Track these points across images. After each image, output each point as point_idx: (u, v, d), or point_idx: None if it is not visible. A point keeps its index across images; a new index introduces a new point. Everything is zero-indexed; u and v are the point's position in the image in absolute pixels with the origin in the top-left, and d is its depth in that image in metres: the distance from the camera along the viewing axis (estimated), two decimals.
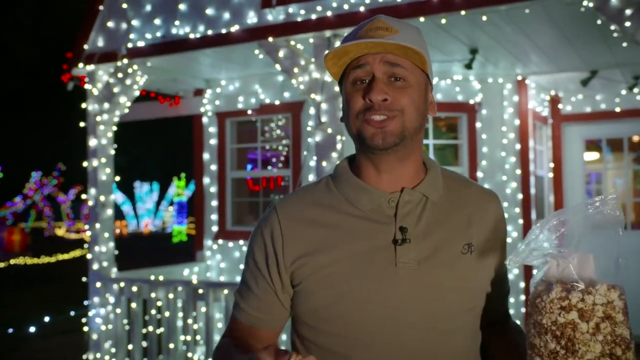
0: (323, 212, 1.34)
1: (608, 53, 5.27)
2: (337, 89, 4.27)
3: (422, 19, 4.07)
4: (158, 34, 5.07)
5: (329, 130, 4.35)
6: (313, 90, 4.40)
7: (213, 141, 6.41)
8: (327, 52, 1.32)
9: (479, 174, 5.96)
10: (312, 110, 5.85)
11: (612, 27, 3.59)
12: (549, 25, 4.43)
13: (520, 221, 5.94)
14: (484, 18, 4.02)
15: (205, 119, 6.46)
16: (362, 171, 1.36)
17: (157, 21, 5.08)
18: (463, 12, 3.92)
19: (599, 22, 3.82)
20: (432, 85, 1.40)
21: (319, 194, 1.39)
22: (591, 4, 3.60)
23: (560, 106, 6.95)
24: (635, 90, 6.37)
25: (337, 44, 4.44)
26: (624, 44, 4.25)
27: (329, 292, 1.28)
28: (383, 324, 1.27)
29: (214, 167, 6.39)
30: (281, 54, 4.54)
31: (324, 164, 4.36)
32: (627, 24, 3.50)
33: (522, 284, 5.90)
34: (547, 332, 1.09)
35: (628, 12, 3.50)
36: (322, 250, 1.30)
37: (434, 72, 5.78)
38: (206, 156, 6.45)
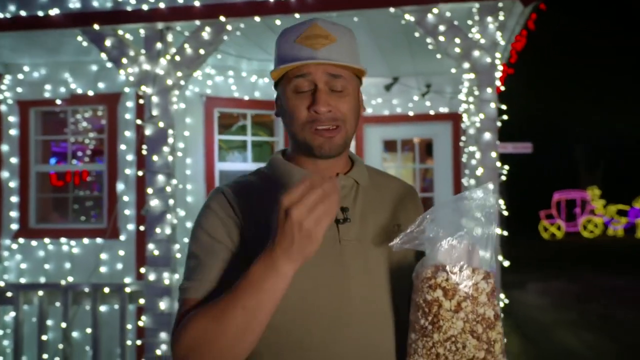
0: (266, 196, 1.39)
1: (410, 62, 5.86)
2: (169, 82, 4.24)
3: (257, 19, 4.19)
4: None
5: (161, 124, 4.26)
6: (143, 82, 4.27)
7: (13, 132, 5.86)
8: (274, 69, 1.36)
9: None
10: (130, 103, 5.68)
11: (429, 40, 4.04)
12: (369, 34, 4.82)
13: None
14: None
15: (4, 107, 5.88)
16: (299, 163, 1.44)
17: None
18: (297, 15, 4.12)
19: (417, 34, 4.26)
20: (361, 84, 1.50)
21: (257, 183, 1.44)
22: (412, 18, 4.02)
23: None
24: (422, 97, 7.14)
25: (170, 37, 4.38)
26: (438, 56, 4.77)
27: None
28: (332, 298, 1.34)
29: (14, 160, 5.85)
30: (108, 43, 4.33)
31: (155, 158, 4.27)
32: (441, 38, 3.97)
33: None
34: (419, 309, 1.22)
35: (442, 28, 3.97)
36: (266, 231, 1.31)
37: (255, 70, 5.98)
38: (5, 148, 5.88)
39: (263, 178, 1.46)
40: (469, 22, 4.15)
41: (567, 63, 21.32)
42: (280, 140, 6.25)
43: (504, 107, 3.93)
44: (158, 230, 4.23)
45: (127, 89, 5.63)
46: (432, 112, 7.09)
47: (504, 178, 3.89)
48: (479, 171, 3.91)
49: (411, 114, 7.36)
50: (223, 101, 5.99)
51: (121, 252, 5.61)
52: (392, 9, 4.02)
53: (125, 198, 5.64)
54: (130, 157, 5.66)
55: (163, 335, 4.26)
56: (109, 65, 4.94)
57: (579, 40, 20.40)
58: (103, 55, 4.44)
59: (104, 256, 5.49)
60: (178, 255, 4.33)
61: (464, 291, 1.19)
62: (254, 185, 1.44)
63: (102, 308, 4.60)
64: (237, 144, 6.41)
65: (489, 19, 3.89)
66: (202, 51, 4.23)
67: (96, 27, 4.31)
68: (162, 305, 4.23)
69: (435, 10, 3.95)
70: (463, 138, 6.25)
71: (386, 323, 1.38)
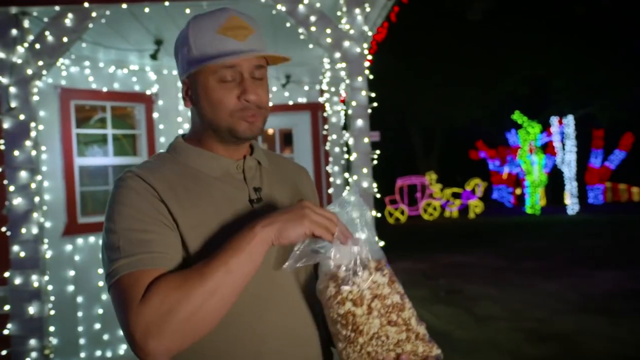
0: (179, 179, 1.40)
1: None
2: (30, 71, 3.97)
3: (124, 6, 4.04)
4: None
5: (22, 117, 3.98)
6: None
7: None
8: (213, 62, 1.36)
9: None
10: None
11: (300, 30, 4.15)
12: None
13: None
14: (188, 11, 4.19)
15: None
16: (205, 147, 1.48)
17: None
18: (167, 3, 4.03)
19: (288, 24, 4.35)
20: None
21: (167, 167, 1.43)
22: (283, 8, 4.10)
23: None
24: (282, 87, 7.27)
25: (27, 23, 4.09)
26: (310, 46, 4.88)
27: (204, 248, 1.33)
28: (260, 280, 1.37)
29: None
30: None
31: (16, 152, 3.98)
32: (313, 28, 4.10)
33: None
34: (336, 322, 1.30)
35: (313, 18, 4.10)
36: (187, 210, 1.36)
37: (113, 60, 5.73)
38: None
39: (172, 162, 1.46)
40: (339, 14, 4.31)
41: (415, 55, 22.64)
42: (143, 133, 6.07)
43: (373, 95, 4.14)
44: (24, 230, 3.95)
45: None
46: (291, 103, 7.24)
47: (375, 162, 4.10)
48: (353, 156, 4.10)
49: (270, 104, 7.45)
50: (80, 93, 5.69)
51: None
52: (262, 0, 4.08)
53: None
54: None
55: (33, 342, 3.99)
56: None
57: (429, 34, 21.73)
58: None
59: None
60: (48, 255, 4.07)
61: (368, 293, 1.28)
62: (166, 168, 1.43)
63: None
64: (97, 138, 6.12)
65: (357, 10, 4.08)
66: (65, 39, 4.00)
67: None
68: (31, 310, 3.97)
69: (305, 1, 4.06)
70: (326, 127, 6.46)
71: (308, 308, 1.45)
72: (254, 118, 1.41)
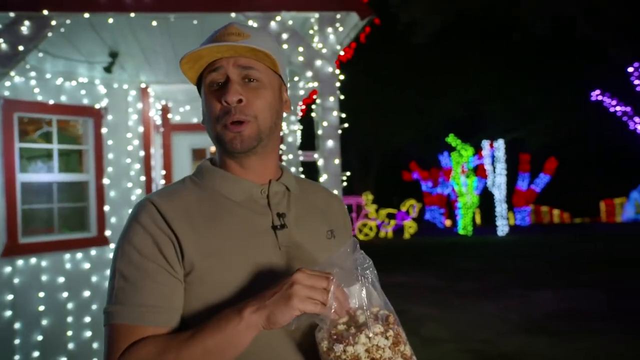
0: (198, 204, 1.34)
1: None
2: None
3: (87, 15, 3.83)
4: None
5: None
6: None
7: None
8: (182, 56, 1.30)
9: (106, 181, 5.81)
10: None
11: None
12: (198, 40, 4.68)
13: None
14: (154, 23, 4.02)
15: None
16: (227, 169, 1.40)
17: None
18: (133, 14, 3.86)
19: None
20: (287, 86, 1.50)
21: (188, 191, 1.38)
22: (255, 24, 3.97)
23: (170, 115, 7.26)
24: None
25: None
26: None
27: (220, 277, 1.27)
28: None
29: None
30: None
31: None
32: (285, 46, 4.01)
33: None
34: None
35: (285, 36, 4.02)
36: (203, 236, 1.29)
37: (61, 71, 5.45)
38: None
39: (195, 186, 1.40)
40: (311, 32, 4.25)
41: (359, 78, 22.92)
42: (91, 149, 5.78)
43: (343, 115, 4.09)
44: None
45: None
46: None
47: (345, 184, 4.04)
48: (323, 177, 4.02)
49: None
50: (24, 105, 5.37)
51: None
52: (233, 14, 3.97)
53: None
54: None
55: None
56: None
57: (374, 57, 21.99)
58: None
59: None
60: None
61: (365, 356, 1.14)
62: (185, 193, 1.37)
63: None
64: (41, 153, 5.79)
65: (330, 29, 4.03)
66: (20, 48, 3.75)
67: None
68: None
69: (278, 18, 3.98)
70: (282, 146, 6.36)
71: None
72: (239, 127, 1.30)
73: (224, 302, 1.24)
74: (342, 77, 4.07)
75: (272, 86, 1.37)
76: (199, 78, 1.38)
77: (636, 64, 9.81)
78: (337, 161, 3.98)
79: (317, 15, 4.04)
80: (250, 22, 3.98)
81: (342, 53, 4.44)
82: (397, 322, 1.22)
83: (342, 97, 4.02)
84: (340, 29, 4.08)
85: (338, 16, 4.04)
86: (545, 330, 7.46)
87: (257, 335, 1.19)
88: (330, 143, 3.98)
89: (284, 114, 1.47)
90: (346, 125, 4.05)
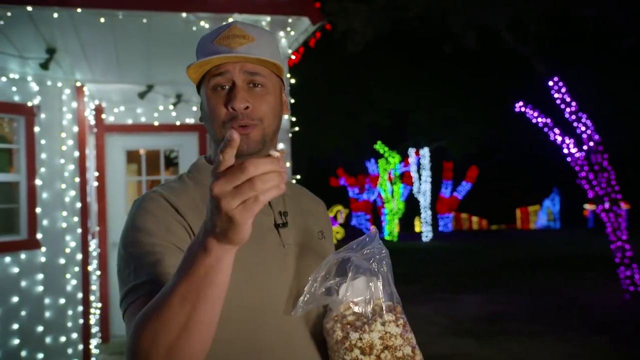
0: (203, 200, 1.33)
1: (169, 71, 5.71)
2: None
3: (30, 8, 3.68)
4: None
5: None
6: None
7: None
8: (191, 63, 1.31)
9: (38, 182, 5.57)
10: None
11: None
12: (146, 39, 4.58)
13: (79, 230, 5.81)
14: (102, 20, 3.90)
15: None
16: None
17: None
18: (79, 10, 3.74)
19: None
20: (285, 87, 1.52)
21: (191, 188, 1.39)
22: (207, 25, 3.95)
23: (103, 116, 7.03)
24: (171, 107, 6.99)
25: None
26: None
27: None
28: (280, 303, 1.33)
29: None
30: None
31: None
32: None
33: None
34: None
35: None
36: None
37: None
38: None
39: (196, 183, 1.40)
40: None
41: (299, 85, 22.85)
42: (22, 148, 5.53)
43: (294, 119, 4.10)
44: None
45: None
46: (178, 123, 7.00)
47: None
48: None
49: (156, 123, 7.13)
50: None
51: None
52: (184, 14, 3.91)
53: None
54: None
55: None
56: None
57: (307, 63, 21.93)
58: None
59: None
60: None
61: (379, 343, 1.21)
62: (190, 189, 1.38)
63: None
64: None
65: (281, 33, 4.04)
66: None
67: None
68: None
69: (230, 20, 3.96)
70: None
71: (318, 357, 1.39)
72: (246, 130, 1.32)
73: (230, 300, 1.20)
74: (292, 80, 4.08)
75: (274, 90, 1.39)
76: (201, 78, 1.39)
77: (556, 78, 10.32)
78: (287, 164, 3.99)
79: (268, 18, 4.04)
80: (202, 23, 3.94)
81: (292, 57, 4.46)
82: (403, 312, 1.27)
83: (292, 100, 4.03)
84: (292, 33, 4.10)
85: (290, 20, 4.05)
86: (472, 333, 7.72)
87: (273, 323, 1.23)
88: (280, 146, 3.99)
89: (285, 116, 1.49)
90: (297, 128, 4.07)
